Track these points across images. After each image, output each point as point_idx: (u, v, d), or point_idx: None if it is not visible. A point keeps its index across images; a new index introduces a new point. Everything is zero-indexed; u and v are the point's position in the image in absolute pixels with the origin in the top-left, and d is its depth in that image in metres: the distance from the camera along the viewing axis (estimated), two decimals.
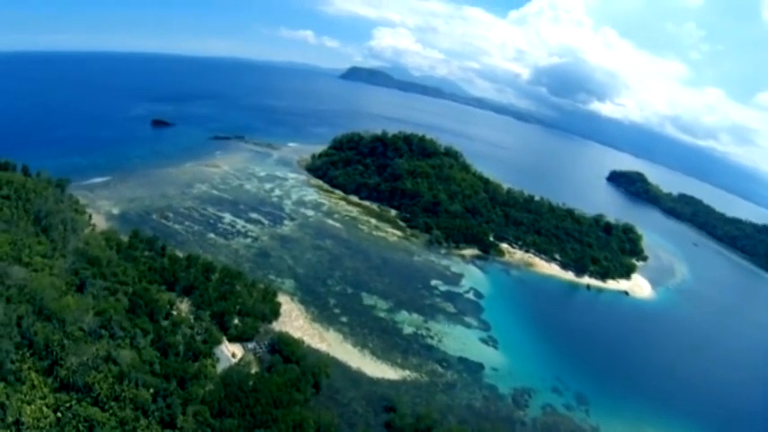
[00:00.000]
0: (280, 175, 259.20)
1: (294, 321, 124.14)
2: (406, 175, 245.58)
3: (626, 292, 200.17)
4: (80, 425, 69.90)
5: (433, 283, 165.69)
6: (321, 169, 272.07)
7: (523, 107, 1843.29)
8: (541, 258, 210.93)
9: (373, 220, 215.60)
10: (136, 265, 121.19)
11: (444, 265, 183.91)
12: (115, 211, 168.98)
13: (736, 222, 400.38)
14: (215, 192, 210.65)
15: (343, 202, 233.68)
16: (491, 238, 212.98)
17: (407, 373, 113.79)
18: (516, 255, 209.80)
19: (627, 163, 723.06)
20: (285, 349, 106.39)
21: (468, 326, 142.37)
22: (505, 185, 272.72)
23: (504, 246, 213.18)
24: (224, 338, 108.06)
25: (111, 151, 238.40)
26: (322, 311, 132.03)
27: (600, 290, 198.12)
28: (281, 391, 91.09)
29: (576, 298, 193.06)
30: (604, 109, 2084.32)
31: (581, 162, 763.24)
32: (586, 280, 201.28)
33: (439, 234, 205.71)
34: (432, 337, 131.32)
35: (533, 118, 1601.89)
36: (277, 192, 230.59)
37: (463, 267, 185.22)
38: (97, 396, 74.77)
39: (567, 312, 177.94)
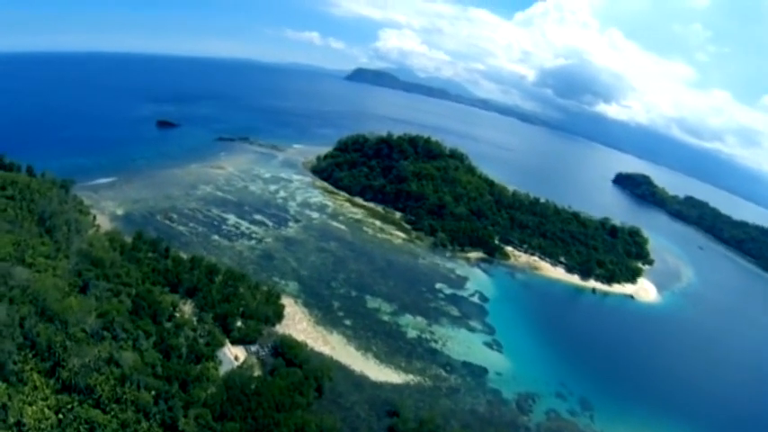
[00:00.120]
0: (284, 177, 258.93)
1: (297, 324, 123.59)
2: (411, 177, 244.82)
3: (631, 296, 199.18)
4: (81, 427, 69.72)
5: (438, 286, 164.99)
6: (326, 171, 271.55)
7: (529, 109, 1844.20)
8: (547, 262, 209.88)
9: (378, 223, 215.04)
10: (139, 267, 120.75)
11: (449, 268, 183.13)
12: (119, 212, 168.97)
13: (742, 225, 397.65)
14: (219, 193, 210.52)
15: (347, 204, 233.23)
16: (496, 241, 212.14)
17: (411, 377, 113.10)
18: (521, 258, 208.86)
19: (633, 165, 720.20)
20: (288, 352, 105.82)
21: (473, 329, 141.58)
22: (511, 188, 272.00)
23: (510, 249, 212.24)
24: (227, 341, 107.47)
25: (115, 152, 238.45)
26: (326, 314, 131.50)
27: (605, 294, 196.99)
28: (283, 394, 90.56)
29: (582, 302, 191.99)
30: (610, 111, 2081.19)
31: (586, 164, 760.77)
32: (592, 284, 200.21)
33: (444, 237, 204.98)
34: (436, 341, 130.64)
35: (539, 120, 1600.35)
36: (282, 193, 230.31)
37: (468, 270, 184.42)
38: (99, 398, 74.63)
39: (572, 316, 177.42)
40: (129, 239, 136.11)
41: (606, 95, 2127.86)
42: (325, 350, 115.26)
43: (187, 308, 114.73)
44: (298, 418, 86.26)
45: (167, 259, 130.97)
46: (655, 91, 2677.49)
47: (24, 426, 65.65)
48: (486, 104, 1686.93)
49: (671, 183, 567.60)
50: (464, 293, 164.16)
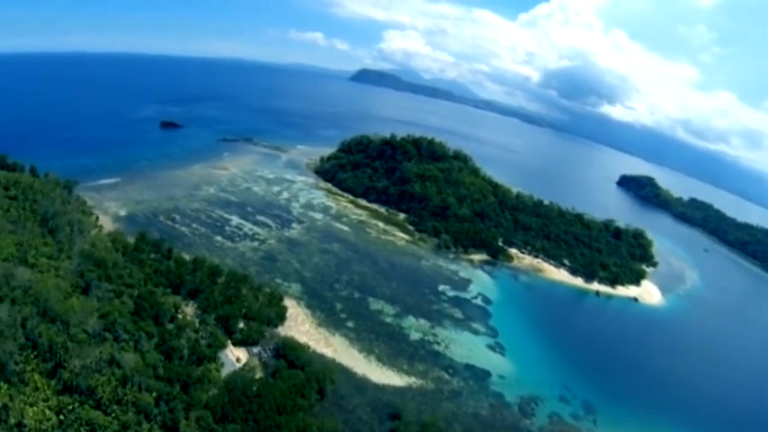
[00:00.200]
0: (288, 178, 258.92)
1: (300, 326, 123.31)
2: (414, 179, 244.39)
3: (635, 299, 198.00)
4: (82, 428, 69.87)
5: (441, 288, 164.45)
6: (330, 172, 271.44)
7: (533, 110, 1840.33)
8: (550, 264, 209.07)
9: (381, 224, 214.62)
10: (142, 268, 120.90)
11: (452, 269, 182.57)
12: (122, 212, 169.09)
13: (747, 228, 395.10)
14: (222, 194, 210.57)
15: (351, 206, 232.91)
16: (500, 243, 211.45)
17: (413, 379, 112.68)
18: (525, 260, 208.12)
19: (637, 167, 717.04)
20: (290, 354, 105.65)
21: (476, 332, 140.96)
22: (515, 189, 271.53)
23: (513, 251, 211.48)
24: (229, 343, 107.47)
25: (119, 152, 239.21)
26: (328, 316, 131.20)
27: (609, 296, 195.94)
28: (285, 396, 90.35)
29: (585, 304, 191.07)
30: (615, 112, 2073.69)
31: (591, 166, 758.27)
32: (595, 286, 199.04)
33: (447, 238, 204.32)
34: (438, 344, 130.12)
35: (543, 121, 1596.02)
36: (285, 194, 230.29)
37: (471, 272, 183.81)
38: (100, 399, 74.84)
39: (576, 319, 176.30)
40: (131, 240, 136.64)
41: (610, 97, 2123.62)
42: (327, 352, 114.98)
43: (189, 309, 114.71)
44: (299, 421, 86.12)
45: (170, 260, 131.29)
46: (659, 92, 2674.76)
47: (25, 427, 65.73)
48: (490, 106, 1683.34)
49: (675, 184, 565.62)
50: (467, 296, 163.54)
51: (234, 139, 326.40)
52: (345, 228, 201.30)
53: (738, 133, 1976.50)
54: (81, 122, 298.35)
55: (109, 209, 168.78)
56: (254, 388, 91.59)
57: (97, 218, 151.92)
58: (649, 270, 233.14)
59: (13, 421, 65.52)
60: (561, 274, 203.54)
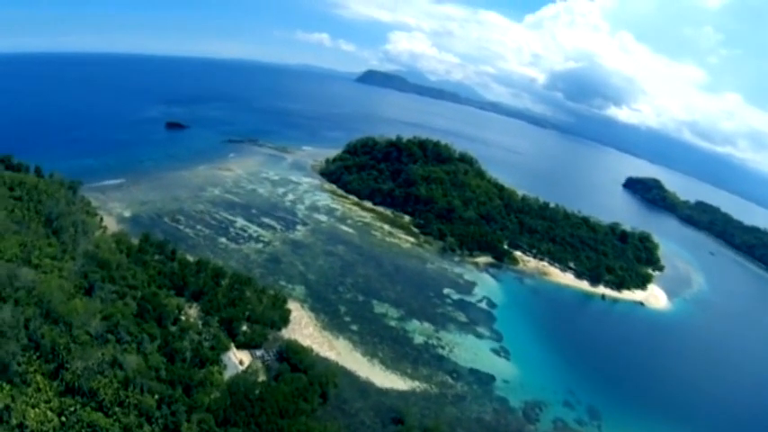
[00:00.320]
0: (293, 180, 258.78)
1: (304, 329, 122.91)
2: (420, 181, 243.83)
3: (641, 303, 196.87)
4: (84, 430, 69.87)
5: (446, 291, 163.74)
6: (335, 174, 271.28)
7: (539, 112, 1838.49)
8: (556, 267, 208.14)
9: (386, 227, 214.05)
10: (145, 269, 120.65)
11: (457, 272, 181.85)
12: (127, 213, 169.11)
13: (754, 231, 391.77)
14: (227, 195, 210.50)
15: (356, 208, 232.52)
16: (505, 246, 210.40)
17: (417, 383, 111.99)
18: (530, 263, 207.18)
19: (643, 169, 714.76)
20: (293, 357, 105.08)
21: (480, 336, 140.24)
22: (520, 192, 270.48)
23: (519, 254, 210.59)
24: (232, 345, 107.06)
25: (124, 153, 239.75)
26: (332, 319, 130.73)
27: (615, 300, 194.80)
28: (287, 400, 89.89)
29: (591, 308, 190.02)
30: (621, 114, 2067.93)
31: (597, 168, 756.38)
32: (601, 290, 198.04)
33: (453, 241, 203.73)
34: (443, 347, 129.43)
35: (549, 123, 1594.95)
36: (290, 196, 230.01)
37: (476, 275, 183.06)
38: (102, 401, 74.58)
39: (581, 323, 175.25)
40: (135, 241, 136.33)
41: (617, 99, 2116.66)
42: (330, 355, 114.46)
43: (193, 311, 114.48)
44: (301, 425, 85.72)
45: (174, 262, 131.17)
46: (666, 94, 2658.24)
47: (27, 428, 65.72)
48: (496, 108, 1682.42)
49: (682, 187, 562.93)
50: (472, 299, 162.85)
51: (239, 140, 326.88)
52: (350, 230, 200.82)
53: (745, 135, 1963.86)
54: (85, 123, 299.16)
55: (113, 210, 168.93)
56: (257, 391, 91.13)
57: (101, 219, 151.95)
58: (655, 274, 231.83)
59: (14, 422, 65.42)
60: (567, 278, 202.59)
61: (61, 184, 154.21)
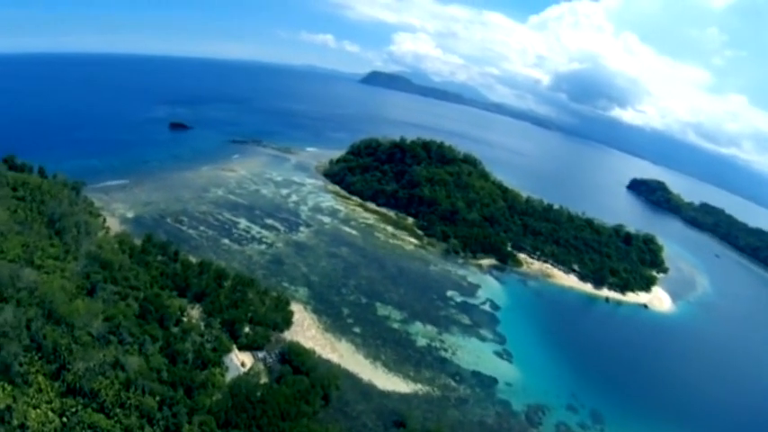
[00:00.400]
0: (297, 181, 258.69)
1: (306, 331, 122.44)
2: (424, 183, 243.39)
3: (645, 306, 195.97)
4: (85, 431, 69.56)
5: (449, 293, 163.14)
6: (339, 175, 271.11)
7: (543, 113, 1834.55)
8: (560, 269, 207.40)
9: (390, 228, 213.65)
10: (148, 270, 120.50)
11: (461, 275, 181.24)
12: (130, 214, 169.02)
13: (759, 233, 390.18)
14: (231, 196, 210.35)
15: (360, 209, 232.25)
16: (509, 248, 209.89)
17: (419, 386, 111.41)
18: (534, 265, 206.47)
19: (648, 171, 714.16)
20: (296, 359, 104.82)
21: (483, 339, 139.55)
22: (524, 193, 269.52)
23: (522, 256, 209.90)
24: (234, 347, 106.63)
25: (127, 154, 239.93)
26: (335, 321, 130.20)
27: (619, 303, 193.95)
28: (289, 402, 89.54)
29: (594, 311, 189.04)
30: (625, 116, 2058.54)
31: (601, 170, 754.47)
32: (605, 292, 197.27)
33: (456, 243, 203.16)
34: (445, 350, 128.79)
35: (553, 124, 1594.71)
36: (294, 197, 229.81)
37: (480, 278, 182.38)
38: (103, 402, 74.51)
39: (585, 326, 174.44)
40: (138, 242, 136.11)
41: (621, 100, 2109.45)
42: (333, 358, 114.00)
43: (195, 312, 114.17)
44: (303, 428, 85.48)
45: (176, 263, 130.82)
46: (670, 95, 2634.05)
47: (28, 429, 65.79)
48: (500, 109, 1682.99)
49: (686, 189, 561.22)
50: (475, 301, 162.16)
51: (243, 141, 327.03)
52: (353, 231, 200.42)
53: (750, 137, 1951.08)
54: (89, 123, 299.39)
55: (116, 210, 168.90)
56: (259, 393, 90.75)
57: (104, 219, 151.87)
58: (660, 276, 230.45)
59: (16, 423, 65.52)
60: (570, 280, 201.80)
61: (64, 185, 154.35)
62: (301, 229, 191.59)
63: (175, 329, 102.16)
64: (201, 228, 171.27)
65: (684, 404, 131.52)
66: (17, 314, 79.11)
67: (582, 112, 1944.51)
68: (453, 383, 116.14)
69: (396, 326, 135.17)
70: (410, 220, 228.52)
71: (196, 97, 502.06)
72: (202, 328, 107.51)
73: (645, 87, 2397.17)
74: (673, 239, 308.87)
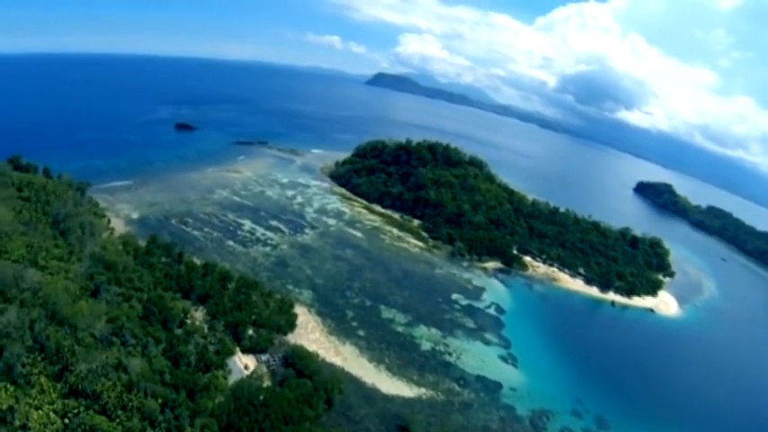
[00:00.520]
0: (302, 182, 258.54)
1: (310, 334, 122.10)
2: (429, 185, 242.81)
3: (652, 310, 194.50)
4: None
5: (454, 296, 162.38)
6: (344, 177, 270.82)
7: (550, 115, 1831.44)
8: (565, 273, 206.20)
9: (395, 231, 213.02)
10: (152, 272, 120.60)
11: (466, 278, 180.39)
12: (134, 215, 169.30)
13: (766, 236, 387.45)
14: (236, 198, 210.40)
15: (365, 211, 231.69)
16: (514, 251, 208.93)
17: (423, 390, 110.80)
18: (540, 269, 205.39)
19: (654, 173, 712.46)
20: (299, 363, 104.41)
21: (488, 342, 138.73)
22: (530, 196, 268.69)
23: (528, 259, 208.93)
24: (237, 349, 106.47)
25: (133, 155, 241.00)
26: (339, 324, 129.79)
27: (625, 307, 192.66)
28: (291, 406, 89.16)
29: (600, 315, 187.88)
30: (632, 118, 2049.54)
31: (607, 172, 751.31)
32: (611, 296, 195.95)
33: (461, 246, 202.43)
34: (450, 354, 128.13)
35: (560, 126, 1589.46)
36: (299, 199, 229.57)
37: (485, 281, 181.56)
38: (105, 404, 74.50)
39: (591, 330, 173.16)
40: (143, 243, 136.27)
41: (628, 102, 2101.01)
42: (336, 361, 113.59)
43: (198, 315, 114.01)
44: (305, 431, 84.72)
45: (180, 264, 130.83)
46: (677, 97, 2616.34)
47: (30, 430, 65.73)
48: (506, 110, 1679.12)
49: (693, 192, 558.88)
50: (480, 305, 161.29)
51: (249, 142, 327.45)
52: (359, 234, 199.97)
53: (757, 139, 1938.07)
54: (94, 124, 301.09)
55: (121, 211, 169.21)
56: (261, 396, 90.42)
57: (109, 220, 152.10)
58: (666, 280, 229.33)
59: (18, 423, 65.57)
60: (576, 284, 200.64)
61: (69, 186, 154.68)
62: (306, 231, 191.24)
63: (179, 331, 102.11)
64: (206, 229, 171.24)
65: (691, 410, 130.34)
66: (20, 315, 79.24)
67: (588, 114, 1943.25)
68: (457, 388, 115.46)
69: (400, 329, 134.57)
70: (416, 222, 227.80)
71: (201, 98, 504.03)
72: (206, 330, 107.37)
73: (651, 89, 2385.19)
74: (679, 243, 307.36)
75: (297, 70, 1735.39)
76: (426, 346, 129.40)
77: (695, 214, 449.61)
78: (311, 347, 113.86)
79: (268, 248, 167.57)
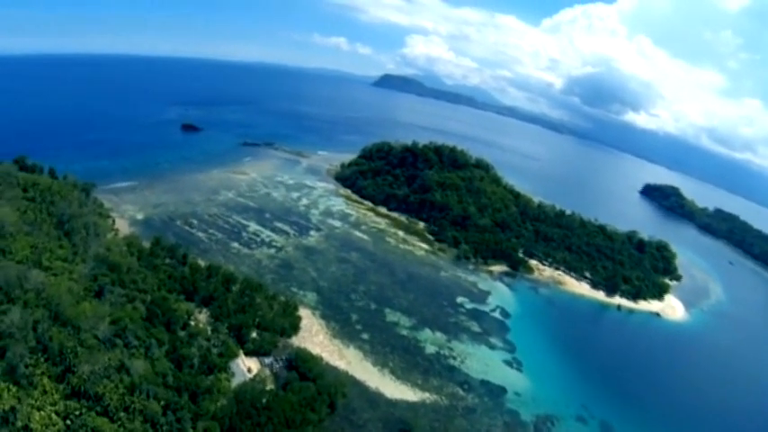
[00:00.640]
0: (308, 184, 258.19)
1: (314, 337, 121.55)
2: (435, 187, 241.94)
3: (658, 314, 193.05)
4: None
5: (459, 300, 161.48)
6: (350, 179, 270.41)
7: (556, 117, 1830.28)
8: (571, 276, 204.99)
9: (401, 233, 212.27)
10: (156, 273, 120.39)
11: (471, 281, 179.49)
12: (139, 216, 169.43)
13: None
14: (241, 199, 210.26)
15: (371, 214, 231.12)
16: (520, 254, 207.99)
17: (427, 394, 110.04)
18: (546, 272, 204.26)
19: (661, 176, 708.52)
20: (302, 366, 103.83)
21: (493, 347, 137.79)
22: (536, 198, 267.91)
23: (534, 262, 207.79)
24: (240, 352, 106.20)
25: (138, 155, 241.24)
26: (343, 327, 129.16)
27: (631, 311, 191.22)
28: (294, 410, 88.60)
29: (606, 319, 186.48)
30: (639, 120, 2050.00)
31: (614, 174, 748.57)
32: (617, 300, 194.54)
33: (467, 249, 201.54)
34: (454, 358, 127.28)
35: (566, 128, 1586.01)
36: (304, 201, 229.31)
37: (491, 284, 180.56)
38: (107, 406, 74.41)
39: (596, 334, 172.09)
40: (147, 245, 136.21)
41: (634, 104, 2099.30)
42: (340, 364, 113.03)
43: (202, 317, 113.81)
44: None
45: (185, 266, 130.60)
46: (684, 99, 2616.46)
47: (31, 431, 65.75)
48: (512, 112, 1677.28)
49: (700, 194, 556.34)
50: (486, 308, 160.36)
51: (255, 144, 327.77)
52: (364, 236, 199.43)
53: (765, 141, 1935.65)
54: (100, 124, 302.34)
55: (126, 212, 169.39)
56: (264, 400, 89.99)
57: (113, 221, 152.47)
58: (673, 284, 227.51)
59: (20, 424, 65.68)
60: (582, 288, 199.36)
61: (74, 186, 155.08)
62: (311, 233, 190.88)
63: (182, 333, 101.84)
64: (211, 231, 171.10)
65: (698, 416, 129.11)
66: (24, 315, 79.37)
67: (595, 116, 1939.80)
68: (461, 392, 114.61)
69: (404, 333, 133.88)
70: (421, 224, 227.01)
71: (208, 99, 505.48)
72: (209, 332, 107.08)
73: (658, 91, 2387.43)
74: (686, 246, 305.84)
75: (303, 71, 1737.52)
76: (431, 349, 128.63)
77: (702, 217, 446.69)
78: (315, 350, 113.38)
79: (273, 250, 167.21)
